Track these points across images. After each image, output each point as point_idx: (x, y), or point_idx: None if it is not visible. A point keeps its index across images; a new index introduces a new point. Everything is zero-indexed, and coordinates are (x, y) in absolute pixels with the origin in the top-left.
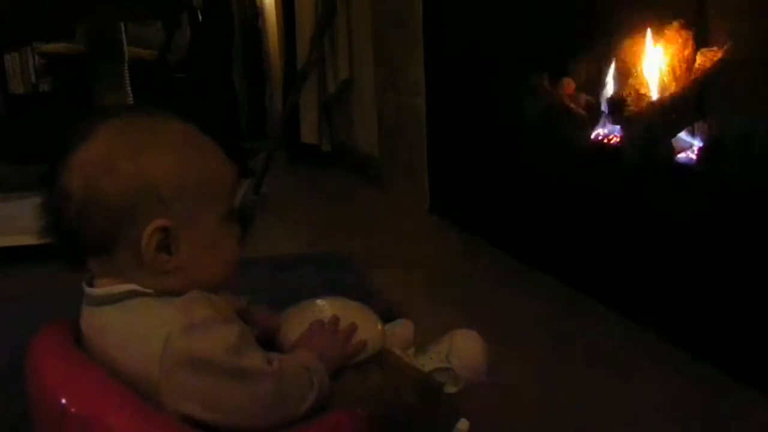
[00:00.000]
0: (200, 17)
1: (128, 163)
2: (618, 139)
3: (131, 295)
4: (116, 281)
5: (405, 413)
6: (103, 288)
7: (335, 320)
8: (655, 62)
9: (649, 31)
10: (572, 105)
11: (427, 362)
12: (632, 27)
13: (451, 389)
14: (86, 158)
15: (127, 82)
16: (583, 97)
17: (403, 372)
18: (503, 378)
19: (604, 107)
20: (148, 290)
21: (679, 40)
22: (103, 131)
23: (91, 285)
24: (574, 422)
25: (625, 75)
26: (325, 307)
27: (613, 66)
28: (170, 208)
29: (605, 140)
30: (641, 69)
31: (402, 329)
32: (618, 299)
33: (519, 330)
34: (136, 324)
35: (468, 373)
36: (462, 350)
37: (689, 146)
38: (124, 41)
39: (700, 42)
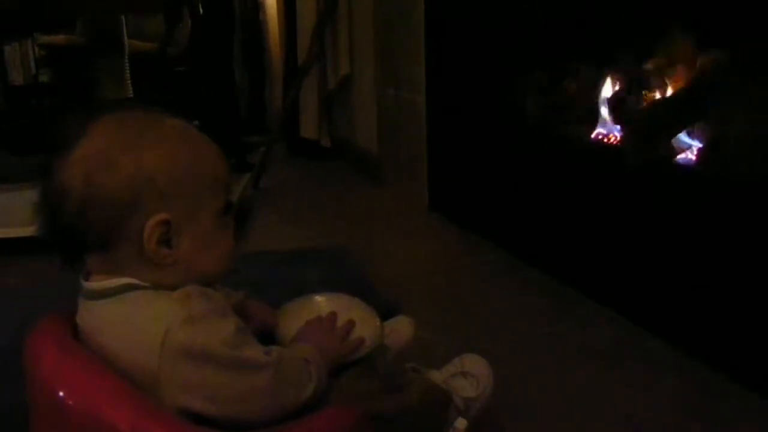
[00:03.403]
0: (201, 10)
1: (128, 158)
2: (618, 139)
3: (128, 288)
4: (113, 276)
5: (404, 412)
6: (100, 282)
7: (333, 316)
8: (656, 62)
9: (649, 32)
10: (572, 104)
11: (442, 373)
12: (633, 27)
13: (470, 393)
14: (84, 155)
15: (127, 74)
16: (584, 96)
17: (417, 381)
18: (498, 375)
19: (604, 106)
20: (146, 284)
21: (680, 41)
22: (100, 127)
23: (87, 279)
24: (568, 420)
25: (625, 75)
26: (323, 303)
27: (613, 65)
28: (170, 202)
29: (605, 140)
30: (642, 69)
31: (401, 326)
32: (615, 298)
33: (515, 327)
34: (134, 317)
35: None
36: (472, 368)
37: (689, 147)
38: (125, 34)
39: (701, 43)
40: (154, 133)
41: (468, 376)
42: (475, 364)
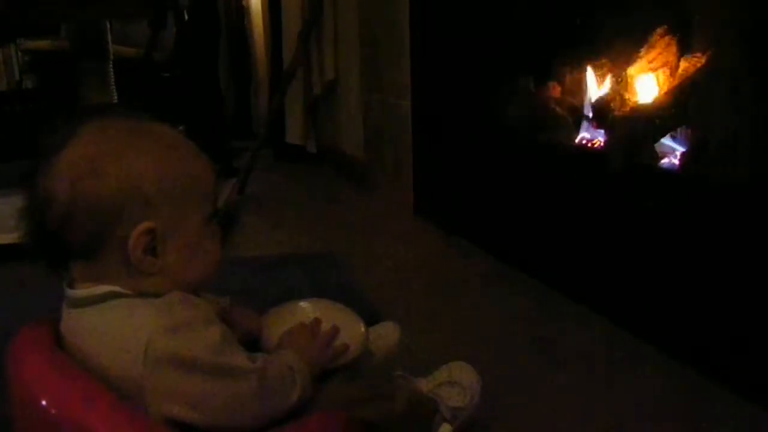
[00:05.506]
0: (186, 16)
1: (114, 164)
2: (602, 144)
3: (112, 296)
4: (98, 283)
5: (389, 419)
6: (84, 290)
7: (317, 323)
8: (639, 67)
9: (633, 37)
10: (557, 109)
11: (429, 381)
12: (617, 32)
13: (457, 403)
14: (70, 161)
15: (112, 80)
16: (568, 101)
17: (403, 388)
18: (485, 380)
19: (588, 111)
20: (129, 291)
21: (663, 46)
22: (86, 133)
23: (71, 287)
24: (555, 424)
25: (609, 80)
26: (307, 309)
27: (597, 70)
28: (156, 210)
29: (589, 144)
30: (625, 74)
31: (386, 332)
32: (600, 301)
33: (501, 331)
34: (118, 325)
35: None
36: (460, 377)
37: (672, 151)
38: (109, 39)
39: (684, 48)
40: (141, 140)
41: (455, 385)
42: (462, 372)
